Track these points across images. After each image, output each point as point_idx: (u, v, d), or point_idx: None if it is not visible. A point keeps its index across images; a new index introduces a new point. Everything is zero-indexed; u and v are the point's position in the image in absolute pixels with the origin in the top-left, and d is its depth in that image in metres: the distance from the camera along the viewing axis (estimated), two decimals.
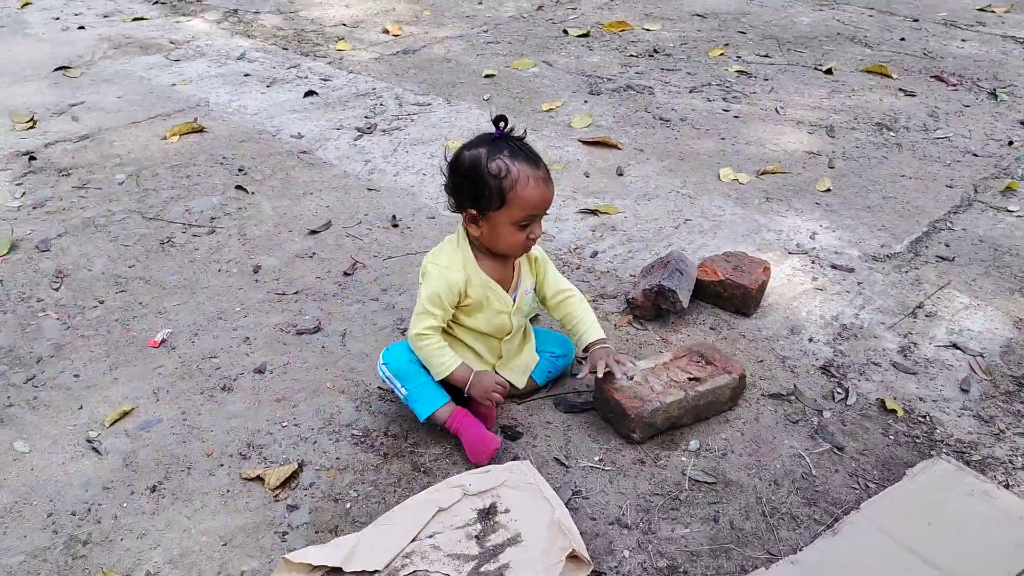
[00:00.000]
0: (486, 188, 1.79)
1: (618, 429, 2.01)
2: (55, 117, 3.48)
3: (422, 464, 1.92)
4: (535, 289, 2.08)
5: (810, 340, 2.34)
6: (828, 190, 3.06)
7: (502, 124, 1.84)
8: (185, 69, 3.96)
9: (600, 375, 1.99)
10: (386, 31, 4.50)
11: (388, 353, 1.98)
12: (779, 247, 2.74)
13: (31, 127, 3.38)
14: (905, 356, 2.29)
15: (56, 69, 3.91)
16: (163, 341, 2.28)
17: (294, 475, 1.89)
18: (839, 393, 2.16)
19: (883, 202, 3.00)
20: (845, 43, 4.44)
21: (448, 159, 1.90)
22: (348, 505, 1.82)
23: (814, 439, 2.01)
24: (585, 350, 2.06)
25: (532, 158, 1.83)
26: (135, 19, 4.57)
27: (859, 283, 2.58)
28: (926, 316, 2.44)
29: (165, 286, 2.49)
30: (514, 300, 2.00)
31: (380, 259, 2.64)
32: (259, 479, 1.88)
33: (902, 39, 4.49)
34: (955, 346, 2.32)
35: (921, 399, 2.14)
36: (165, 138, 3.31)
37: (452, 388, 1.96)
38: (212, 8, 4.81)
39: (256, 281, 2.53)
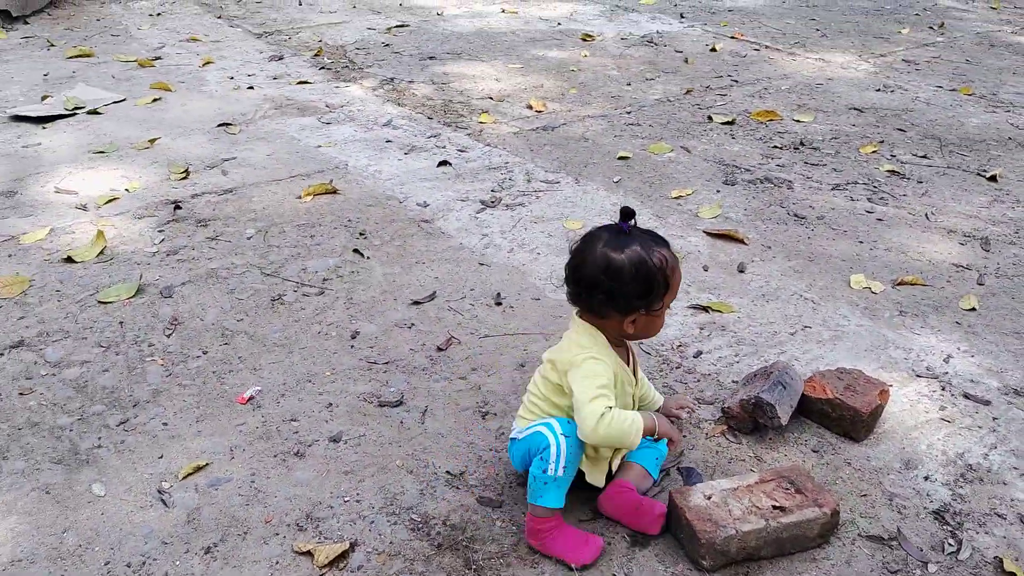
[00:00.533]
0: (655, 284, 1.80)
1: (688, 552, 1.85)
2: (207, 170, 3.70)
3: (475, 561, 1.84)
4: None
5: (926, 478, 2.10)
6: (973, 309, 2.79)
7: (630, 219, 1.85)
8: (333, 132, 4.14)
9: (692, 411, 2.20)
10: (530, 106, 4.55)
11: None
12: (906, 368, 2.50)
13: (184, 177, 3.61)
14: None
15: (219, 125, 4.18)
16: (251, 398, 2.32)
17: (344, 554, 1.85)
18: (951, 544, 1.91)
19: None
20: (1016, 149, 4.10)
21: (593, 266, 1.80)
22: None
23: None
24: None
25: (665, 241, 1.87)
26: (300, 82, 4.85)
27: (994, 418, 2.31)
28: None
29: (266, 343, 2.55)
30: (635, 380, 1.99)
31: (476, 336, 2.61)
32: (309, 554, 1.85)
33: None
34: None
35: None
36: (300, 197, 3.44)
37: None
38: (371, 76, 5.04)
39: (352, 347, 2.55)
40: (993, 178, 3.74)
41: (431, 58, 5.38)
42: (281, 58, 5.30)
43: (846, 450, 2.18)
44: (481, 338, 2.60)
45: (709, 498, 1.88)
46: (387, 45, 5.63)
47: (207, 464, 2.09)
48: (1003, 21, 6.64)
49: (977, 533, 1.94)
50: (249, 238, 3.13)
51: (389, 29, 5.98)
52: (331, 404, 2.31)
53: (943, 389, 2.42)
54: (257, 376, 2.41)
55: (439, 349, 2.55)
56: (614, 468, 1.98)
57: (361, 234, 3.18)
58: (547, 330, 2.63)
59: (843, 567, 1.84)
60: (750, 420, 2.21)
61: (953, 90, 4.95)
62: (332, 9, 6.50)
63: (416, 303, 2.77)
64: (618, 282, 1.78)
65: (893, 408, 2.32)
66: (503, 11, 6.58)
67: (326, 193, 3.49)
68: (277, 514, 1.96)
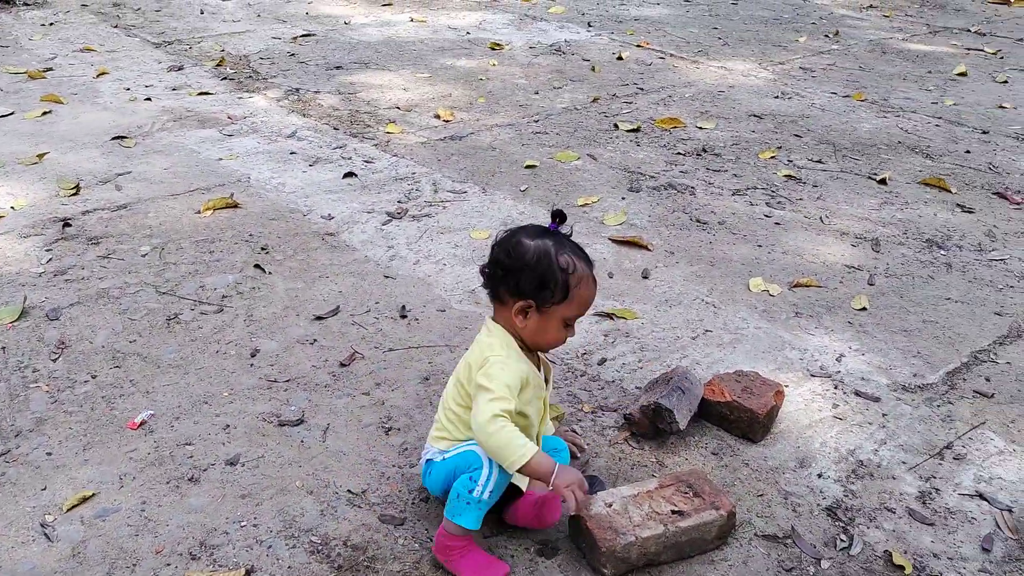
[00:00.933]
0: (553, 281, 1.77)
1: (589, 561, 1.86)
2: (100, 185, 3.57)
3: None
4: None
5: (819, 476, 2.16)
6: (864, 309, 2.89)
7: (558, 220, 1.84)
8: (235, 144, 4.05)
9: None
10: (438, 116, 4.54)
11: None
12: (801, 368, 2.57)
13: (75, 193, 3.47)
14: (924, 503, 2.08)
15: (113, 138, 4.04)
16: (143, 423, 2.24)
17: None
18: (843, 540, 1.97)
19: (922, 326, 2.80)
20: (905, 153, 4.27)
21: (503, 246, 1.81)
22: None
23: None
24: None
25: (588, 258, 1.85)
26: (201, 93, 4.73)
27: (884, 415, 2.39)
28: (954, 459, 2.23)
29: (160, 364, 2.47)
30: (546, 382, 1.95)
31: (380, 351, 2.58)
32: None
33: (967, 151, 4.30)
34: (982, 496, 2.11)
35: (935, 555, 1.93)
36: (199, 212, 3.35)
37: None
38: (276, 86, 4.95)
39: (251, 365, 2.49)
40: (883, 181, 3.89)
41: (338, 68, 5.32)
42: (181, 68, 5.16)
43: (744, 451, 2.23)
44: (385, 352, 2.57)
45: (610, 506, 1.89)
46: (292, 55, 5.54)
47: (94, 494, 2.01)
48: (895, 28, 6.92)
49: (868, 528, 2.01)
50: (144, 255, 3.03)
51: (295, 39, 5.88)
52: (228, 426, 2.25)
53: (836, 388, 2.49)
54: (150, 400, 2.33)
55: (342, 365, 2.51)
56: None
57: (263, 249, 3.11)
58: (452, 342, 2.62)
59: (740, 567, 1.88)
60: (651, 426, 2.24)
61: (847, 96, 5.13)
62: (236, 18, 6.37)
63: (319, 318, 2.72)
64: (517, 262, 1.77)
65: (789, 408, 2.38)
66: (411, 20, 6.55)
67: (227, 207, 3.41)
68: (168, 543, 1.89)
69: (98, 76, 4.96)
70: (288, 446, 2.19)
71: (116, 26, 6.03)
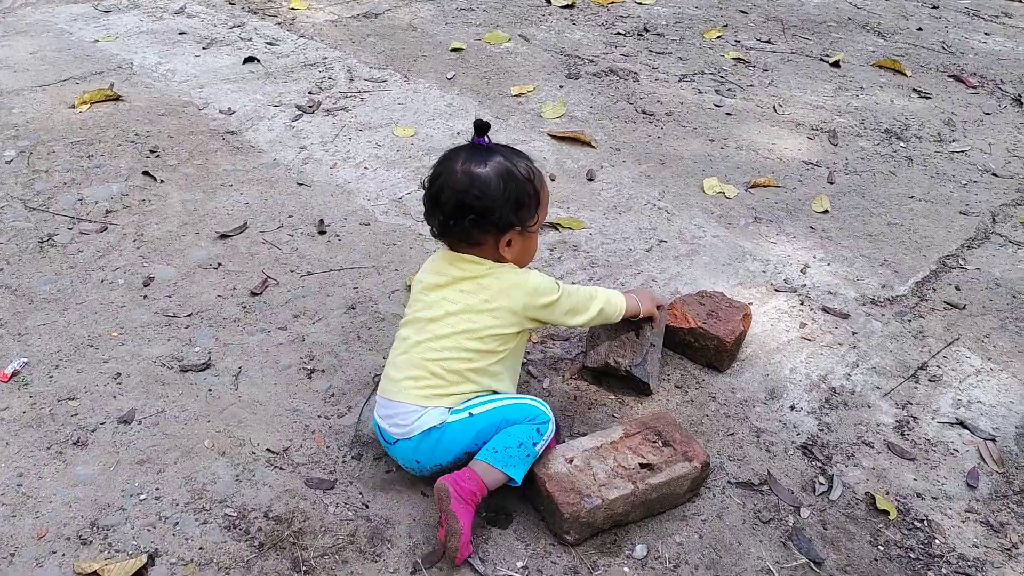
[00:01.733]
0: (526, 197, 1.63)
1: (550, 526, 1.64)
2: None
3: (305, 560, 1.56)
4: None
5: (792, 408, 1.97)
6: (826, 211, 2.67)
7: (485, 132, 1.65)
8: (114, 22, 3.51)
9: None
10: None
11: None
12: (764, 281, 2.36)
13: None
14: (903, 434, 1.92)
15: None
16: (15, 373, 1.89)
17: (141, 571, 1.52)
18: (821, 483, 1.79)
19: (887, 230, 2.61)
20: (856, 30, 4.01)
21: (460, 190, 1.59)
22: None
23: (787, 547, 1.65)
24: None
25: (526, 155, 1.70)
26: None
27: (854, 333, 2.20)
28: (929, 381, 2.07)
29: (34, 298, 2.10)
30: None
31: (297, 275, 2.25)
32: (96, 574, 1.51)
33: (919, 29, 4.06)
34: (962, 424, 1.95)
35: (919, 495, 1.78)
36: (73, 106, 2.88)
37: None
38: None
39: (144, 297, 2.13)
40: (836, 63, 3.63)
41: None
42: None
43: (710, 382, 2.02)
44: (303, 277, 2.24)
45: (571, 462, 1.66)
46: None
47: None
48: None
49: (846, 467, 1.84)
50: (8, 163, 2.58)
51: None
52: (120, 374, 1.92)
53: (802, 304, 2.29)
54: (23, 344, 1.97)
55: (253, 294, 2.18)
56: None
57: (152, 151, 2.69)
58: (380, 262, 2.30)
59: (715, 521, 1.69)
60: (613, 378, 1.99)
61: None
62: None
63: (223, 236, 2.36)
64: (487, 198, 1.58)
65: (755, 329, 2.18)
66: None
67: (106, 100, 2.94)
68: (53, 525, 1.59)
69: None
70: (193, 397, 1.88)
71: None
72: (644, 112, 3.16)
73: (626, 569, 1.58)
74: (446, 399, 1.63)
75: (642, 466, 1.67)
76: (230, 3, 3.79)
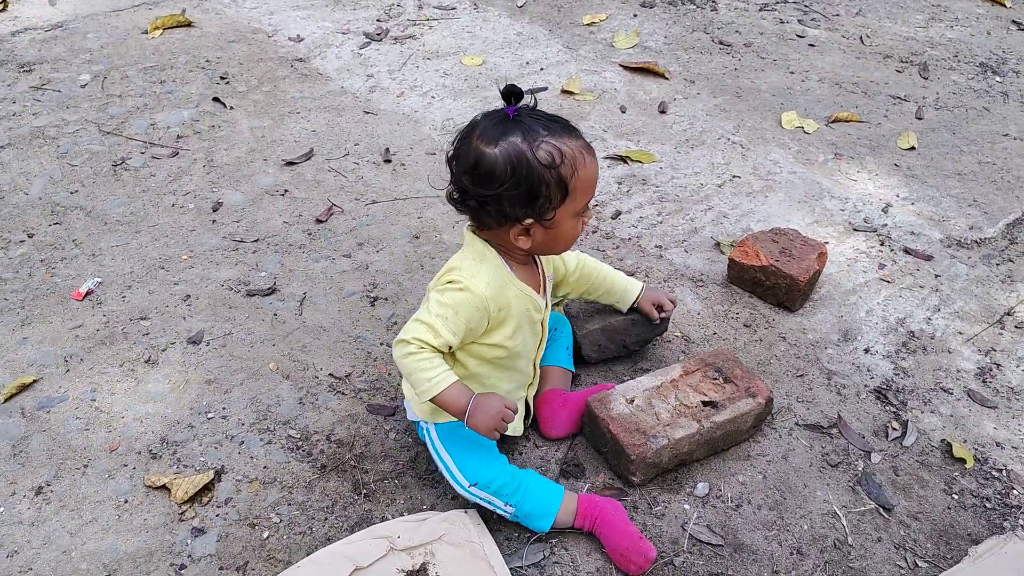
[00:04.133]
0: (543, 186, 1.35)
1: (614, 468, 1.61)
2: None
3: (365, 484, 1.57)
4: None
5: (866, 351, 1.90)
6: (912, 148, 2.54)
7: (515, 99, 1.37)
8: None
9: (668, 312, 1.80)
10: None
11: (468, 466, 1.48)
12: (842, 220, 2.26)
13: (1, 10, 2.99)
14: (984, 382, 1.84)
15: None
16: (88, 293, 1.93)
17: (208, 486, 1.56)
18: (895, 429, 1.73)
19: (978, 168, 2.47)
20: None
21: (462, 167, 1.37)
22: (266, 534, 1.48)
23: (855, 492, 1.60)
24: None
25: (569, 127, 1.40)
26: None
27: (936, 276, 2.11)
28: (1016, 327, 1.97)
29: (107, 220, 2.13)
30: (546, 303, 1.57)
31: (362, 203, 2.24)
32: (165, 488, 1.55)
33: None
34: None
35: (998, 444, 1.70)
36: (146, 32, 2.89)
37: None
38: None
39: (213, 222, 2.15)
40: None
41: None
42: None
43: (780, 322, 1.96)
44: (368, 205, 2.23)
45: (632, 402, 1.63)
46: None
47: (35, 380, 1.73)
48: None
49: (922, 413, 1.77)
50: (84, 86, 2.61)
51: None
52: (189, 296, 1.94)
53: (882, 244, 2.20)
54: (96, 264, 2.01)
55: (318, 221, 2.18)
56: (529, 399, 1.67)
57: (222, 78, 2.69)
58: (445, 191, 2.27)
59: (780, 463, 1.65)
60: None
61: None
62: None
63: (290, 164, 2.36)
64: (489, 186, 1.35)
65: (830, 268, 2.10)
66: None
67: (178, 27, 2.94)
68: (124, 440, 1.63)
69: None
70: (259, 320, 1.90)
71: None
72: (721, 43, 3.03)
73: (687, 507, 1.55)
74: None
75: (705, 404, 1.63)
76: None
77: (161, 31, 2.90)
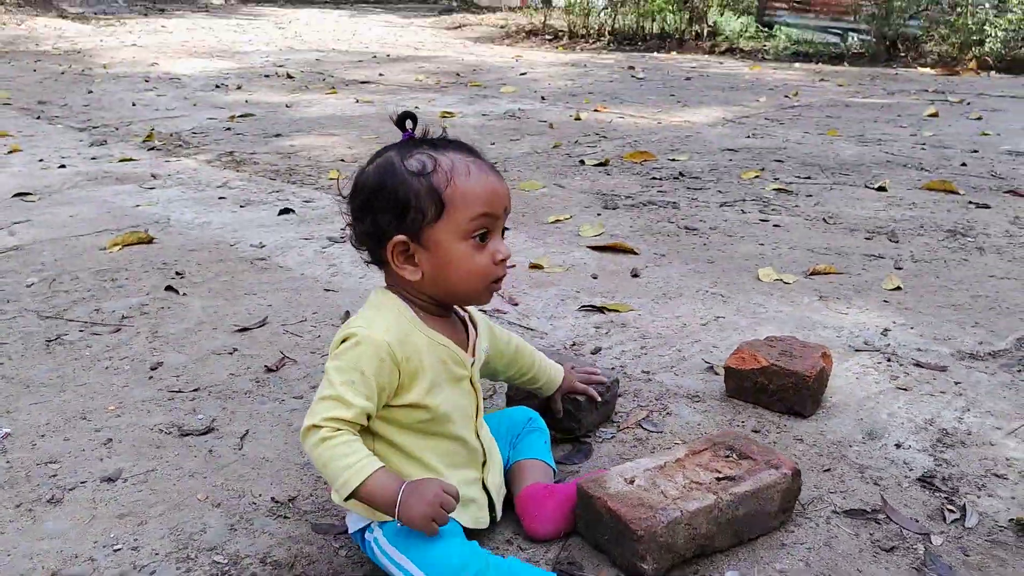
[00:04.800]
0: (411, 196, 1.23)
1: (619, 560, 1.29)
2: None
3: None
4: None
5: (898, 446, 1.64)
6: (899, 288, 2.44)
7: (410, 123, 1.32)
8: (156, 195, 3.58)
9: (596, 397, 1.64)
10: None
11: (433, 562, 1.19)
12: (840, 344, 2.08)
13: None
14: None
15: (14, 195, 3.55)
16: None
17: None
18: (952, 511, 1.43)
19: (972, 300, 2.35)
20: (897, 168, 3.95)
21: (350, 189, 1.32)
22: None
23: (922, 573, 1.27)
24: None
25: (464, 146, 1.30)
26: (123, 159, 4.29)
27: (956, 383, 1.89)
28: None
29: (30, 384, 1.90)
30: (474, 361, 1.36)
31: (318, 355, 2.04)
32: None
33: (963, 164, 3.99)
34: None
35: None
36: (104, 248, 2.84)
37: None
38: (208, 151, 4.53)
39: (150, 378, 1.93)
40: (882, 188, 3.53)
41: (277, 135, 4.93)
42: (104, 143, 4.73)
43: (793, 427, 1.71)
44: (323, 356, 2.03)
45: (632, 482, 1.35)
46: (228, 129, 5.16)
47: None
48: (853, 92, 6.79)
49: (979, 496, 1.48)
50: (29, 286, 2.49)
51: (232, 117, 5.52)
52: (110, 440, 1.68)
53: (889, 360, 2.00)
54: (9, 420, 1.76)
55: (269, 370, 1.97)
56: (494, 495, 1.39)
57: (178, 274, 2.59)
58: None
59: (822, 550, 1.33)
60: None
61: (821, 134, 4.85)
62: (170, 107, 6.01)
63: (243, 330, 2.19)
64: (359, 197, 1.28)
65: (837, 381, 1.88)
66: (356, 101, 6.27)
67: (139, 243, 2.90)
68: None
69: (10, 153, 4.48)
70: (191, 457, 1.62)
71: (39, 117, 5.61)
72: (687, 228, 3.03)
73: None
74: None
75: (720, 479, 1.35)
76: (271, 179, 3.88)
77: (120, 247, 2.85)
